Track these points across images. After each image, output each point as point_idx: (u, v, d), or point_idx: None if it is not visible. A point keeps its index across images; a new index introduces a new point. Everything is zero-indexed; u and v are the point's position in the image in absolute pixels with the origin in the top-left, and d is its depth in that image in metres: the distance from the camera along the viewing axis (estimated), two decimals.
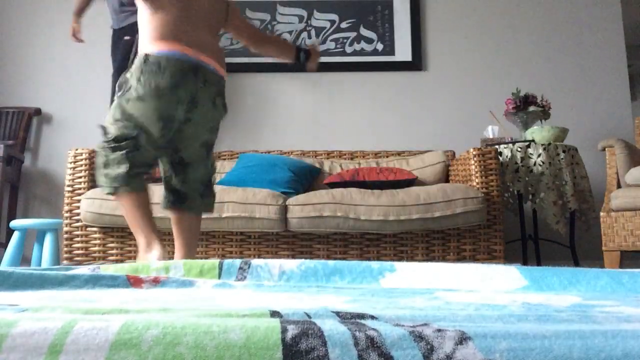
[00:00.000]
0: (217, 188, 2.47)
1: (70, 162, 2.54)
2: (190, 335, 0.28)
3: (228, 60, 3.56)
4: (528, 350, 0.28)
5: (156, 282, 0.58)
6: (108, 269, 0.72)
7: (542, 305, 0.43)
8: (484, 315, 0.36)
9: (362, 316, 0.36)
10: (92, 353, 0.28)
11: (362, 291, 0.53)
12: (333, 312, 0.37)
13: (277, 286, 0.58)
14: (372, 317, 0.35)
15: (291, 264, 0.63)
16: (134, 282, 0.58)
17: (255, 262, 0.66)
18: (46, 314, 0.32)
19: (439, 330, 0.30)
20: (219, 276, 0.70)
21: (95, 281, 0.56)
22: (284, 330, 0.30)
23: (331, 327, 0.30)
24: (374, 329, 0.30)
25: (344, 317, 0.36)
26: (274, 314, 0.36)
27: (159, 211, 1.92)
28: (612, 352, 0.27)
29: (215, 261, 0.69)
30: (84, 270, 0.63)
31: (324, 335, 0.29)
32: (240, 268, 0.65)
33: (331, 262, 0.63)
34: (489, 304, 0.44)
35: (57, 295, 0.48)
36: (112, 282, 0.57)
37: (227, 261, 0.68)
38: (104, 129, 1.71)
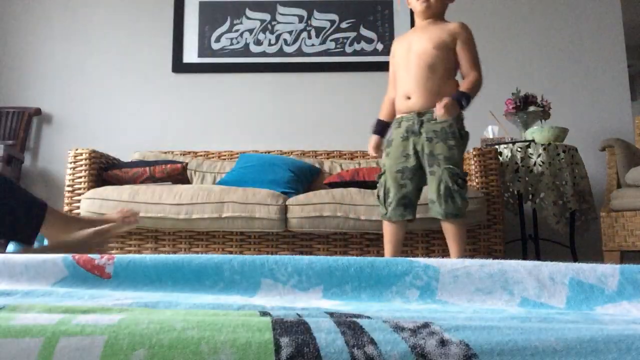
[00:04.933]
0: (217, 188, 2.46)
1: (70, 162, 2.53)
2: (178, 357, 0.27)
3: (228, 60, 3.57)
4: None
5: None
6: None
7: (542, 305, 0.42)
8: (484, 317, 0.35)
9: (357, 316, 0.35)
10: None
11: None
12: (327, 312, 0.36)
13: None
14: (368, 317, 0.34)
15: None
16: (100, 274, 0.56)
17: None
18: (25, 317, 0.31)
19: (442, 344, 0.29)
20: None
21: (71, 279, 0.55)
22: (277, 349, 0.28)
23: (327, 342, 0.29)
24: (373, 344, 0.29)
25: (338, 317, 0.34)
26: (264, 314, 0.34)
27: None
28: None
29: None
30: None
31: (320, 355, 0.28)
32: None
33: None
34: (487, 307, 0.43)
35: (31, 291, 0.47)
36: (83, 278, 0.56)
37: None
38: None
